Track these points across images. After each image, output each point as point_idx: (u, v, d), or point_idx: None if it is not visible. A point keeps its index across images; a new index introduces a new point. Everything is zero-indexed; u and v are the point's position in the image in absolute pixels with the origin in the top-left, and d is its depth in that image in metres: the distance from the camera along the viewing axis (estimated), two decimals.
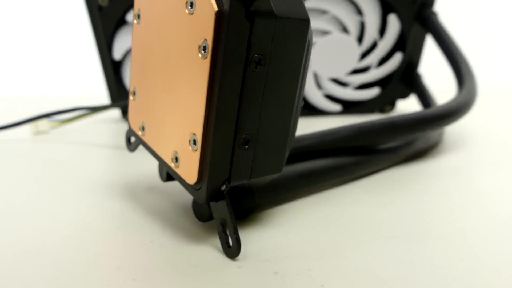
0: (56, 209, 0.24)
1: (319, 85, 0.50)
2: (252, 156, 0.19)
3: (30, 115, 0.41)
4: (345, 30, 0.47)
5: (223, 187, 0.19)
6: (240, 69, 0.17)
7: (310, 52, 0.20)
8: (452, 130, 0.41)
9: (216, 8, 0.16)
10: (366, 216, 0.23)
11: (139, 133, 0.23)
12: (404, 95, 0.52)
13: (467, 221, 0.23)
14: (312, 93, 0.50)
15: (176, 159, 0.20)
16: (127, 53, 0.46)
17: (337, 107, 0.51)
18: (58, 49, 0.77)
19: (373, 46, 0.48)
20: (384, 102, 0.52)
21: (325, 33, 0.46)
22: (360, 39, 0.48)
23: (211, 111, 0.17)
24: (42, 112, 0.42)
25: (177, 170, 0.20)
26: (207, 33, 0.17)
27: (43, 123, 0.44)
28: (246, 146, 0.19)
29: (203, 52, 0.17)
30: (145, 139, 0.23)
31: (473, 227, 0.22)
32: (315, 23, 0.45)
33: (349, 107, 0.51)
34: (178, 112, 0.19)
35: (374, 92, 0.51)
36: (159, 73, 0.21)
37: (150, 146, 0.22)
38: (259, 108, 0.18)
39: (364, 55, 0.49)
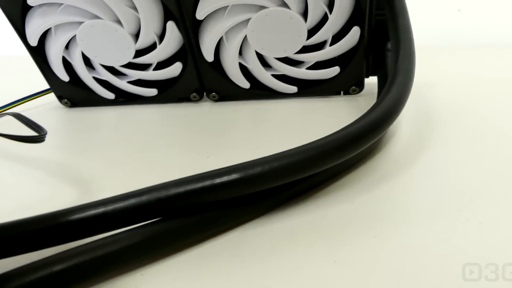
0: None
1: (266, 64, 0.43)
2: None
3: None
4: (284, 3, 0.38)
5: None
6: None
7: None
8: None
9: None
10: None
11: None
12: (374, 73, 0.44)
13: None
14: (260, 73, 0.43)
15: None
16: (44, 37, 0.42)
17: (292, 88, 0.44)
18: None
19: (325, 20, 0.39)
20: (349, 83, 0.43)
21: (261, 7, 0.38)
22: (305, 13, 0.39)
23: None
24: None
25: None
26: None
27: None
28: None
29: None
30: None
31: None
32: None
33: (305, 88, 0.44)
34: None
35: (333, 71, 0.42)
36: None
37: None
38: None
39: (314, 30, 0.40)
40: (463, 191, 0.25)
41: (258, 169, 0.23)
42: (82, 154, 0.36)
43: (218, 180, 0.22)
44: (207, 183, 0.22)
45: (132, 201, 0.22)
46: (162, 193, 0.22)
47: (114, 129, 0.41)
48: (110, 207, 0.21)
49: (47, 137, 0.39)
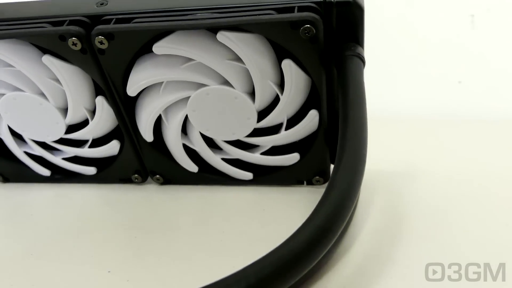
0: None
1: (216, 146, 0.37)
2: None
3: None
4: (226, 81, 0.32)
5: None
6: None
7: None
8: None
9: None
10: None
11: None
12: None
13: None
14: (209, 157, 0.37)
15: None
16: None
17: (247, 175, 0.37)
18: None
19: (277, 101, 0.33)
20: (311, 172, 0.36)
21: (201, 85, 0.33)
22: (254, 92, 0.33)
23: None
24: None
25: None
26: None
27: None
28: None
29: None
30: None
31: None
32: (185, 75, 0.32)
33: (262, 175, 0.37)
34: None
35: (292, 158, 0.36)
36: None
37: None
38: None
39: (266, 112, 0.34)
40: None
41: None
42: None
43: None
44: None
45: None
46: None
47: (33, 217, 0.36)
48: None
49: None
